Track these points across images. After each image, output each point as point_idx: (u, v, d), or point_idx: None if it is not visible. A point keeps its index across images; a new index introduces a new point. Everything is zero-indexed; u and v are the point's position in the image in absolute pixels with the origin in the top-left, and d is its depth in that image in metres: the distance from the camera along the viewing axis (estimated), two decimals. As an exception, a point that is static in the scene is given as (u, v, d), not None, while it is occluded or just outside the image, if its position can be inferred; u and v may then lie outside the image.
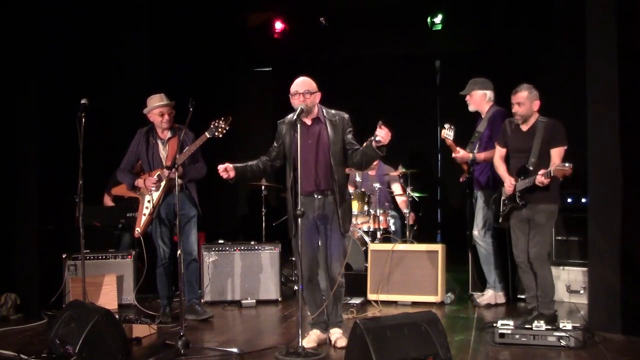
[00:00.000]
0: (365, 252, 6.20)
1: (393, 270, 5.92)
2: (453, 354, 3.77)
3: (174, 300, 5.39)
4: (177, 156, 4.76)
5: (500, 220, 5.03)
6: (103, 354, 3.87)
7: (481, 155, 5.63)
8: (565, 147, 4.72)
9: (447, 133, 5.66)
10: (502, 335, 4.32)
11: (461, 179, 5.94)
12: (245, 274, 6.13)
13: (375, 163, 6.81)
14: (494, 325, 4.44)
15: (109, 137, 6.32)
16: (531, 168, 4.73)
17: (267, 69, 10.05)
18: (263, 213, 7.12)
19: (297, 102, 4.27)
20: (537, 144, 4.76)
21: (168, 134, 5.33)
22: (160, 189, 5.24)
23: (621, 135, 4.65)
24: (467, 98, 5.80)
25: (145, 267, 5.69)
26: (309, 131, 4.36)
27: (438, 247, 5.91)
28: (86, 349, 3.79)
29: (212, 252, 6.13)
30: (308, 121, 4.37)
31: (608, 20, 4.69)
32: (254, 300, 6.01)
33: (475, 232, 5.77)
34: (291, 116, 4.36)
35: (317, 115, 4.39)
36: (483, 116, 5.78)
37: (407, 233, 6.42)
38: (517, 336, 4.28)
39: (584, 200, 5.88)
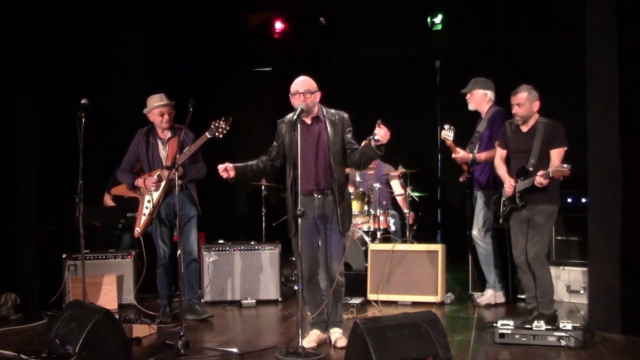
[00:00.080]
0: (365, 252, 6.20)
1: (393, 270, 5.92)
2: (453, 354, 3.77)
3: (174, 300, 5.39)
4: (177, 156, 4.76)
5: (500, 221, 5.03)
6: (103, 354, 3.87)
7: (482, 156, 5.63)
8: (565, 148, 4.72)
9: (447, 134, 5.66)
10: (502, 335, 4.32)
11: (461, 179, 5.95)
12: (245, 274, 6.13)
13: (373, 162, 6.83)
14: (494, 325, 4.44)
15: (109, 137, 6.32)
16: (531, 169, 4.73)
17: (267, 69, 10.05)
18: (263, 213, 7.12)
19: (297, 102, 4.27)
20: (537, 144, 4.76)
21: (168, 134, 5.33)
22: (160, 189, 5.24)
23: (621, 135, 4.65)
24: (468, 96, 5.80)
25: (145, 267, 5.69)
26: (309, 130, 4.36)
27: (438, 247, 5.91)
28: (86, 349, 3.79)
29: (212, 252, 6.13)
30: (308, 120, 4.37)
31: (608, 20, 4.69)
32: (254, 300, 6.02)
33: (475, 232, 5.77)
34: (291, 116, 4.36)
35: (317, 115, 4.39)
36: (483, 116, 5.78)
37: (407, 233, 6.42)
38: (517, 336, 4.28)
39: (584, 200, 5.88)
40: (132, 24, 7.28)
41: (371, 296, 5.92)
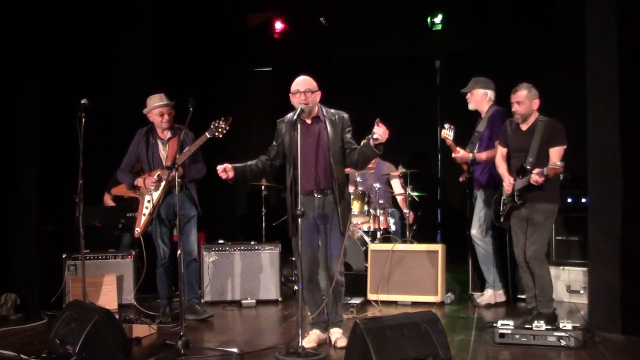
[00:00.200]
0: (365, 252, 6.20)
1: (393, 270, 5.92)
2: (453, 354, 3.77)
3: (174, 300, 5.38)
4: (177, 156, 4.76)
5: (501, 219, 5.03)
6: (103, 354, 3.87)
7: (483, 155, 5.63)
8: (565, 147, 4.72)
9: (447, 133, 5.66)
10: (502, 335, 4.32)
11: (461, 179, 5.95)
12: (245, 274, 6.13)
13: (373, 162, 6.83)
14: (494, 325, 4.44)
15: (109, 137, 6.32)
16: (528, 167, 4.73)
17: (267, 69, 10.05)
18: (263, 213, 7.12)
19: (297, 101, 4.27)
20: (536, 143, 4.76)
21: (168, 134, 5.33)
22: (160, 188, 5.24)
23: (621, 135, 4.65)
24: (468, 96, 5.81)
25: (145, 267, 5.69)
26: (309, 130, 4.36)
27: (438, 247, 5.91)
28: (86, 349, 3.79)
29: (212, 252, 6.13)
30: (308, 120, 4.37)
31: (608, 20, 4.69)
32: (254, 300, 6.02)
33: (474, 232, 5.77)
34: (291, 115, 4.36)
35: (317, 115, 4.39)
36: (483, 116, 5.78)
37: (407, 233, 6.43)
38: (517, 336, 4.28)
39: (584, 200, 5.88)
40: (132, 24, 7.29)
41: (371, 296, 5.92)
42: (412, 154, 8.51)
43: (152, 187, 5.24)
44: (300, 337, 4.11)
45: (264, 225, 7.09)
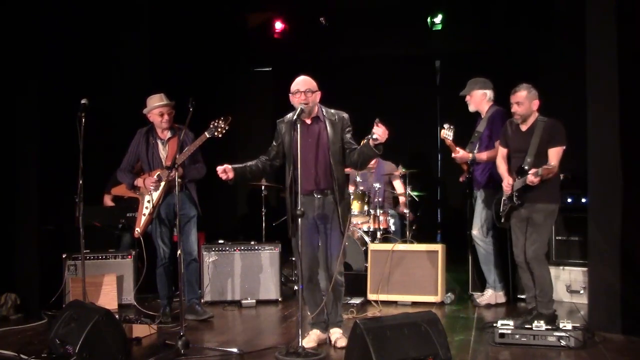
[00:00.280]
0: (365, 252, 6.20)
1: (393, 270, 5.92)
2: (453, 354, 3.77)
3: (174, 300, 5.38)
4: (177, 156, 4.76)
5: (502, 220, 5.03)
6: (103, 354, 3.87)
7: (484, 156, 5.63)
8: (564, 147, 4.72)
9: (447, 133, 5.66)
10: (502, 335, 4.32)
11: (461, 179, 5.95)
12: (245, 274, 6.13)
13: (374, 162, 6.84)
14: (494, 325, 4.44)
15: (109, 137, 6.32)
16: (526, 167, 4.73)
17: (267, 69, 10.06)
18: (263, 213, 7.12)
19: (298, 101, 4.27)
20: (535, 143, 4.76)
21: (168, 134, 5.33)
22: (160, 188, 5.24)
23: (621, 135, 4.65)
24: (467, 98, 5.80)
25: (145, 267, 5.69)
26: (309, 130, 4.36)
27: (438, 247, 5.91)
28: (86, 349, 3.79)
29: (212, 252, 6.13)
30: (308, 120, 4.37)
31: (608, 20, 4.69)
32: (254, 300, 6.01)
33: (475, 232, 5.77)
34: (291, 115, 4.36)
35: (317, 115, 4.39)
36: (483, 116, 5.78)
37: (407, 233, 6.42)
38: (517, 336, 4.28)
39: (584, 200, 5.88)
40: (132, 24, 7.28)
41: (371, 296, 5.92)
42: (412, 154, 8.51)
43: (152, 187, 5.24)
44: (300, 337, 4.11)
45: (264, 225, 7.09)
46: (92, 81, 6.32)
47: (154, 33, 7.58)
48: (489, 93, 5.76)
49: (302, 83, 4.31)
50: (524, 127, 4.89)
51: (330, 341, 4.46)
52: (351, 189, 6.46)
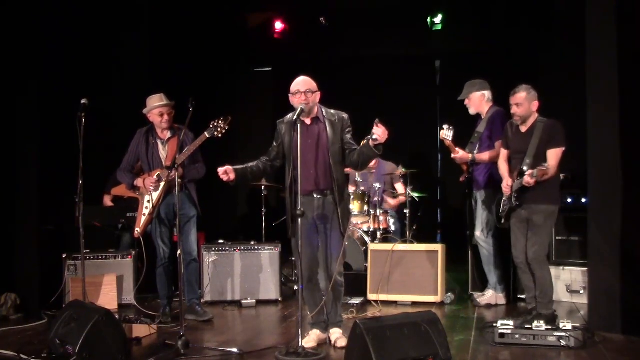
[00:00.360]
0: (365, 252, 6.20)
1: (393, 270, 5.92)
2: (453, 354, 3.77)
3: (174, 300, 5.38)
4: (177, 156, 4.76)
5: (502, 221, 5.03)
6: (103, 354, 3.87)
7: (485, 156, 5.61)
8: (563, 149, 4.72)
9: (446, 134, 5.65)
10: (502, 335, 4.32)
11: (461, 179, 5.94)
12: (245, 274, 6.13)
13: (374, 162, 6.84)
14: (494, 325, 4.44)
15: (109, 137, 6.32)
16: (525, 168, 4.72)
17: (267, 69, 10.05)
18: (263, 213, 7.13)
19: (298, 101, 4.27)
20: (534, 144, 4.75)
21: (168, 134, 5.33)
22: (160, 189, 5.24)
23: (621, 135, 4.65)
24: (466, 102, 5.79)
25: (145, 267, 5.69)
26: (309, 131, 4.36)
27: (438, 247, 5.91)
28: (86, 349, 3.79)
29: (212, 252, 6.13)
30: (307, 121, 4.37)
31: (608, 20, 4.69)
32: (254, 300, 6.02)
33: (478, 233, 5.76)
34: (291, 116, 4.36)
35: (317, 115, 4.39)
36: (483, 117, 5.77)
37: (407, 233, 6.42)
38: (517, 336, 4.29)
39: (584, 200, 5.88)
40: (132, 24, 7.28)
41: (371, 296, 5.92)
42: (412, 154, 8.50)
43: (152, 187, 5.24)
44: (300, 337, 4.11)
45: (264, 225, 7.09)
46: (92, 81, 6.32)
47: (154, 33, 7.58)
48: (487, 94, 5.75)
49: (302, 83, 4.31)
50: (523, 129, 4.89)
51: (330, 341, 4.46)
52: (351, 189, 6.46)
